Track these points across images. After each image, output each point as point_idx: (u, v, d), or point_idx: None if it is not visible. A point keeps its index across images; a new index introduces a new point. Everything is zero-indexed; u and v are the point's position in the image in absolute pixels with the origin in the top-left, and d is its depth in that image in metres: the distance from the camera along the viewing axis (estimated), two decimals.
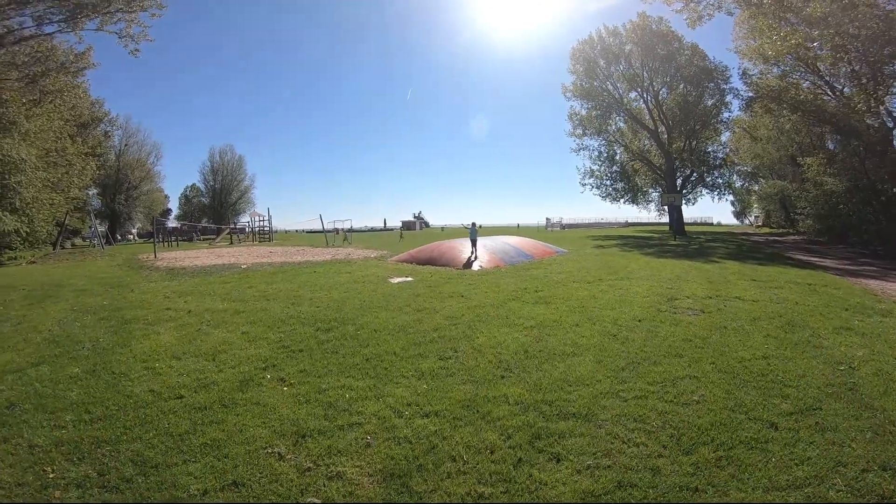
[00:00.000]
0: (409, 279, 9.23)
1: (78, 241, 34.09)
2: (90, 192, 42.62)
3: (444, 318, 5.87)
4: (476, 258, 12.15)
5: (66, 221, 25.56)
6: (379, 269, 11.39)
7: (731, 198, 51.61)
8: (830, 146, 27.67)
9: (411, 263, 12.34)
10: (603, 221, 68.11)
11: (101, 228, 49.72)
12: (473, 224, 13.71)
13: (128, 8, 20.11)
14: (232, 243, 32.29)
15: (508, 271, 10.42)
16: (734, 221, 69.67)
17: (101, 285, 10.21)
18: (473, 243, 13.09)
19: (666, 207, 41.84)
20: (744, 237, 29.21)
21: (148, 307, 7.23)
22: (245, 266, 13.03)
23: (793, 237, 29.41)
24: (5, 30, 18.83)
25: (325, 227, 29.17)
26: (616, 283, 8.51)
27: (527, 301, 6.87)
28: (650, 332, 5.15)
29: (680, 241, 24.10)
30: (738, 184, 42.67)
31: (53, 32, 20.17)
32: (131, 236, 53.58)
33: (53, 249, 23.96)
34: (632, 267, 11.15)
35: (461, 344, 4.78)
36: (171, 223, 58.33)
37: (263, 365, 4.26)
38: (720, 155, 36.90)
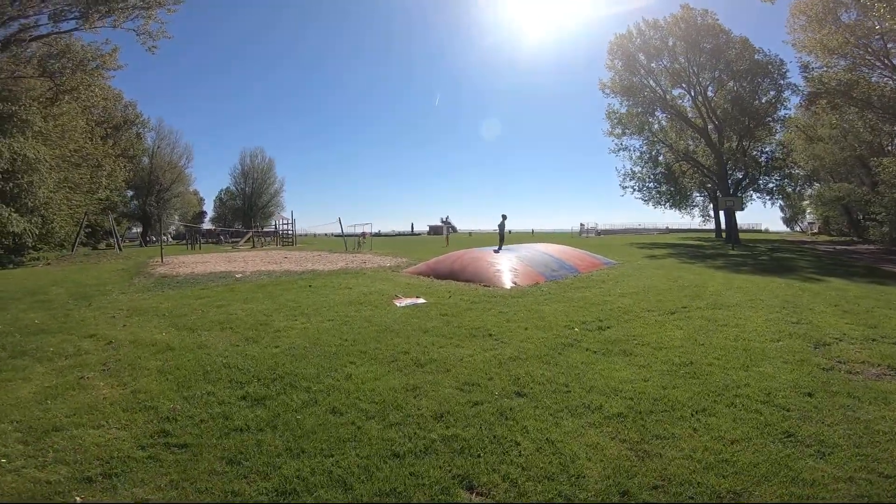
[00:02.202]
0: (420, 301, 7.05)
1: (114, 241, 34.09)
2: (128, 194, 43.20)
3: (459, 385, 3.50)
4: (500, 249, 11.94)
5: (85, 222, 25.07)
6: (388, 283, 9.30)
7: (780, 202, 47.00)
8: None
9: (428, 277, 10.18)
10: (641, 227, 63.86)
11: (136, 230, 50.70)
12: (504, 217, 14.65)
13: (142, 4, 19.40)
14: (254, 247, 31.57)
15: (552, 291, 8.01)
16: (783, 228, 64.48)
17: (71, 295, 8.86)
18: (501, 238, 13.92)
19: (712, 213, 38.30)
20: (808, 246, 25.39)
21: (73, 332, 5.49)
22: (240, 275, 11.35)
23: (863, 246, 25.36)
24: (20, 27, 18.41)
25: (345, 231, 27.64)
26: (711, 314, 5.98)
27: (592, 348, 4.43)
28: (849, 419, 2.78)
29: (738, 250, 20.90)
30: (789, 187, 38.68)
31: (70, 30, 19.74)
32: (165, 237, 54.26)
33: (71, 251, 23.50)
34: (713, 286, 8.54)
35: (485, 466, 2.36)
36: (206, 225, 58.73)
37: (93, 470, 2.25)
38: (777, 155, 33.16)
